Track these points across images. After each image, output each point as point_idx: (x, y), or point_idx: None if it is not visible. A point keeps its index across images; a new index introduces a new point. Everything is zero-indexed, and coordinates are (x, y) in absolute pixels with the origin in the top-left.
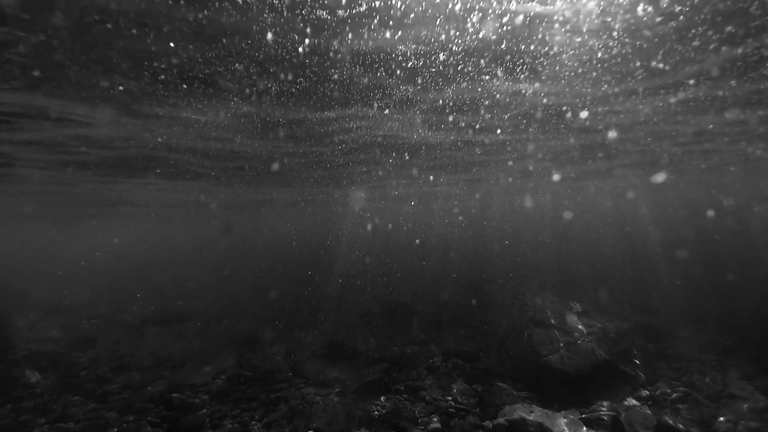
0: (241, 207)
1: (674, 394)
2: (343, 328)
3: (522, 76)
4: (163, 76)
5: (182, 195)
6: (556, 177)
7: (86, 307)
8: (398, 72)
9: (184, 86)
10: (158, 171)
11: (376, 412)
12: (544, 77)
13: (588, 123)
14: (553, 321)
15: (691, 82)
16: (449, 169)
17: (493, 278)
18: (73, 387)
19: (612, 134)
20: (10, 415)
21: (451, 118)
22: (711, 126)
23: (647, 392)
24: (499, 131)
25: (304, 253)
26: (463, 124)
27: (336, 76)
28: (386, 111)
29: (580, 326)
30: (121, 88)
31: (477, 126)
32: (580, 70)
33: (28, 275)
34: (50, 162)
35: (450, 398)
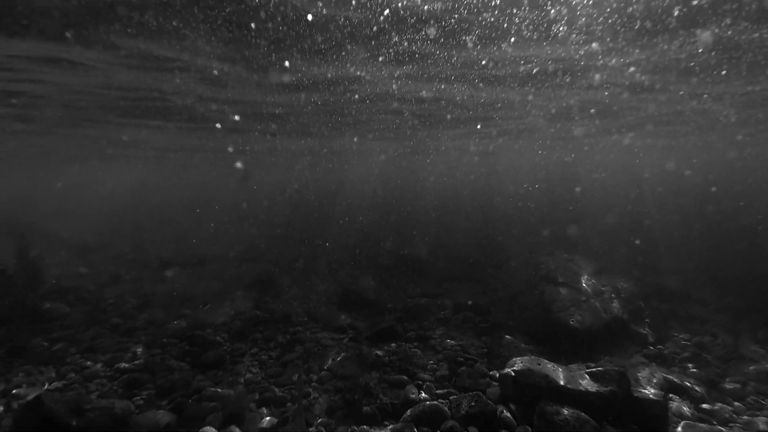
0: (260, 155)
1: (683, 354)
2: (357, 277)
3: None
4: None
5: (201, 141)
6: (578, 131)
7: (110, 247)
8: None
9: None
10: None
11: (386, 358)
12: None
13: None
14: (566, 279)
15: None
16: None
17: (509, 236)
18: (100, 321)
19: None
20: (43, 344)
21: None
22: None
23: (657, 351)
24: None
25: (322, 205)
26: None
27: None
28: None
29: (593, 285)
30: None
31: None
32: None
33: (53, 215)
34: (75, 103)
35: (459, 348)
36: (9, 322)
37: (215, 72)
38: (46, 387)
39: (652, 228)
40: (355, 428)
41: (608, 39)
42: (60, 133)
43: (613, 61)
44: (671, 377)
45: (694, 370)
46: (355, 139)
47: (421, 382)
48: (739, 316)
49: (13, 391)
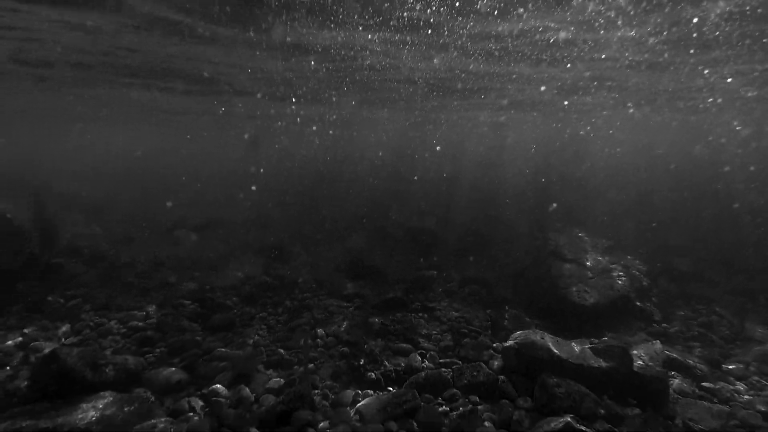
0: (271, 119)
1: (688, 333)
2: (366, 247)
3: None
4: None
5: (209, 105)
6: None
7: (123, 209)
8: None
9: None
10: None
11: (392, 327)
12: None
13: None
14: (574, 256)
15: None
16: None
17: (518, 211)
18: (114, 280)
19: None
20: (59, 300)
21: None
22: None
23: (661, 329)
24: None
25: (331, 174)
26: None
27: None
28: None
29: (601, 262)
30: None
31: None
32: None
33: (65, 176)
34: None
35: (464, 320)
36: (25, 278)
37: (221, 33)
38: (62, 341)
39: (664, 207)
40: (359, 392)
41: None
42: (71, 92)
43: (632, 32)
44: (674, 355)
45: (699, 349)
46: (365, 107)
47: (424, 351)
48: (748, 297)
49: (31, 345)
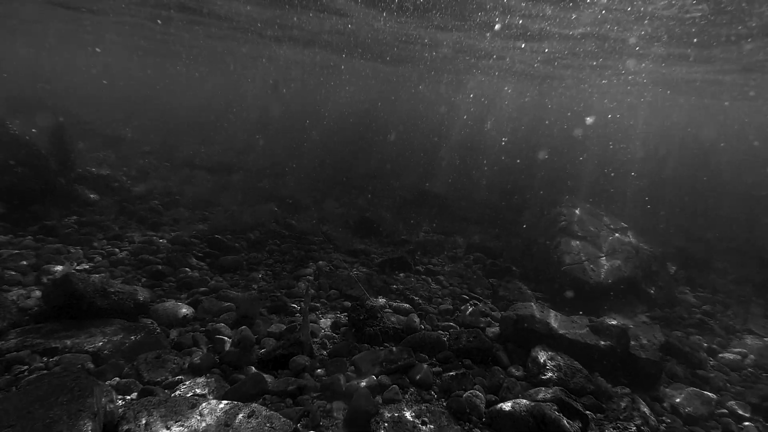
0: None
1: (690, 320)
2: (376, 207)
3: None
4: None
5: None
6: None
7: (141, 142)
8: None
9: None
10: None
11: (394, 285)
12: None
13: None
14: (584, 233)
15: None
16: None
17: (534, 184)
18: (127, 212)
19: None
20: (73, 226)
21: None
22: None
23: (663, 313)
24: None
25: (347, 131)
26: None
27: None
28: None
29: (612, 242)
30: None
31: None
32: None
33: (87, 102)
34: None
35: (466, 286)
36: (41, 201)
37: None
38: (74, 266)
39: (682, 192)
40: (357, 345)
41: None
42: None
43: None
44: (672, 340)
45: (698, 336)
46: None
47: (424, 313)
48: (755, 289)
49: (43, 267)
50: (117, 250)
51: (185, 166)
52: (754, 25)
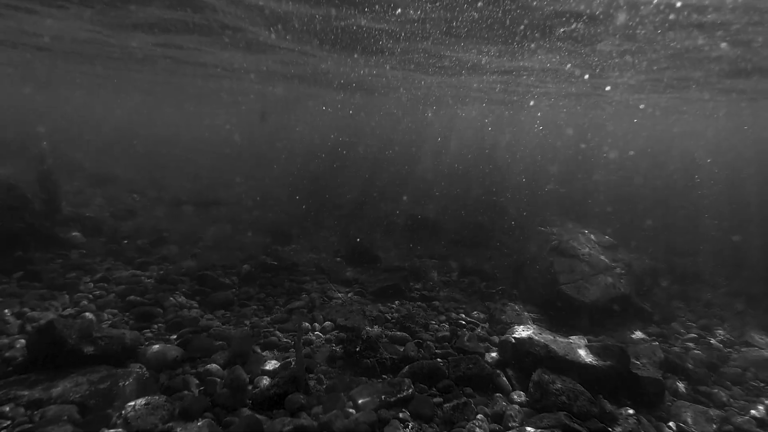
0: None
1: (687, 335)
2: (367, 234)
3: None
4: None
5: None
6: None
7: (127, 181)
8: None
9: None
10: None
11: (389, 314)
12: None
13: None
14: (576, 252)
15: None
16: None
17: (522, 205)
18: (115, 253)
19: None
20: (58, 270)
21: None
22: None
23: (660, 330)
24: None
25: (336, 159)
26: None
27: None
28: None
29: (604, 260)
30: None
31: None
32: None
33: (75, 142)
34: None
35: (462, 311)
36: (26, 246)
37: None
38: (59, 312)
39: (671, 207)
40: (354, 378)
41: None
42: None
43: None
44: (672, 357)
45: (696, 351)
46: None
47: (421, 341)
48: (749, 302)
49: (28, 314)
50: (104, 292)
51: (173, 202)
52: None
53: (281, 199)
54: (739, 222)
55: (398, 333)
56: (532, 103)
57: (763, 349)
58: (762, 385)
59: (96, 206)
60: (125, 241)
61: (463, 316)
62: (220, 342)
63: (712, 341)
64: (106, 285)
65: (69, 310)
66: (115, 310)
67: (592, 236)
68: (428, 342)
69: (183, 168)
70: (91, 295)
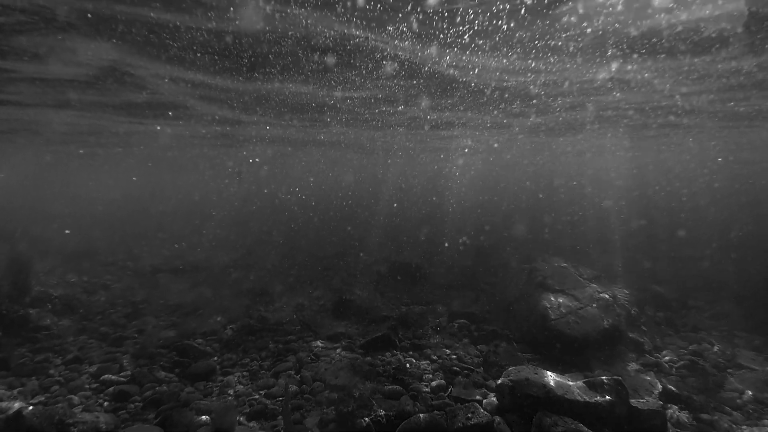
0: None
1: (681, 362)
2: (351, 285)
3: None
4: None
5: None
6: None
7: (102, 254)
8: None
9: None
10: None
11: (381, 368)
12: None
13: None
14: (562, 286)
15: None
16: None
17: (505, 243)
18: (88, 330)
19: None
20: (27, 355)
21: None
22: None
23: (653, 359)
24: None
25: (315, 211)
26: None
27: None
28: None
29: (589, 292)
30: None
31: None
32: None
33: (45, 220)
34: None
35: (455, 357)
36: None
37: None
38: (28, 400)
39: (647, 235)
40: None
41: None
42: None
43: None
44: (669, 386)
45: (692, 378)
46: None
47: (416, 393)
48: (734, 323)
49: None
50: (76, 374)
51: (150, 271)
52: None
53: (263, 257)
54: (701, 244)
55: (391, 387)
56: (496, 145)
57: (756, 369)
58: (761, 407)
59: (68, 283)
60: (99, 317)
61: (457, 362)
62: (203, 417)
63: (706, 366)
64: (78, 366)
65: (39, 397)
66: (89, 392)
67: (573, 269)
68: (423, 393)
69: (161, 235)
70: (62, 379)
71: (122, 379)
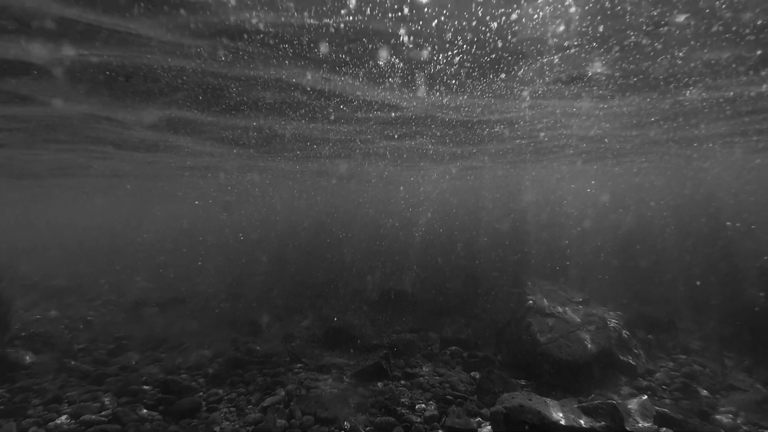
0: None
1: (674, 385)
2: (341, 313)
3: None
4: None
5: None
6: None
7: (85, 288)
8: None
9: None
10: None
11: (372, 398)
12: None
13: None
14: (552, 309)
15: None
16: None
17: (492, 267)
18: (68, 368)
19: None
20: (5, 395)
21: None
22: None
23: (647, 382)
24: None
25: (304, 238)
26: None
27: None
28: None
29: (580, 315)
30: None
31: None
32: None
33: (27, 255)
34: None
35: (448, 385)
36: None
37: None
38: None
39: (635, 257)
40: None
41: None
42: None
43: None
44: (663, 409)
45: (686, 401)
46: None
47: (409, 424)
48: (724, 343)
49: None
50: (55, 414)
51: (134, 305)
52: None
53: (251, 286)
54: (686, 265)
55: (383, 418)
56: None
57: (747, 390)
58: (754, 429)
59: (50, 319)
60: (80, 354)
61: (450, 390)
62: None
63: (699, 388)
64: (57, 405)
65: None
66: None
67: (562, 292)
68: (417, 424)
69: (147, 268)
70: (40, 419)
71: (103, 418)
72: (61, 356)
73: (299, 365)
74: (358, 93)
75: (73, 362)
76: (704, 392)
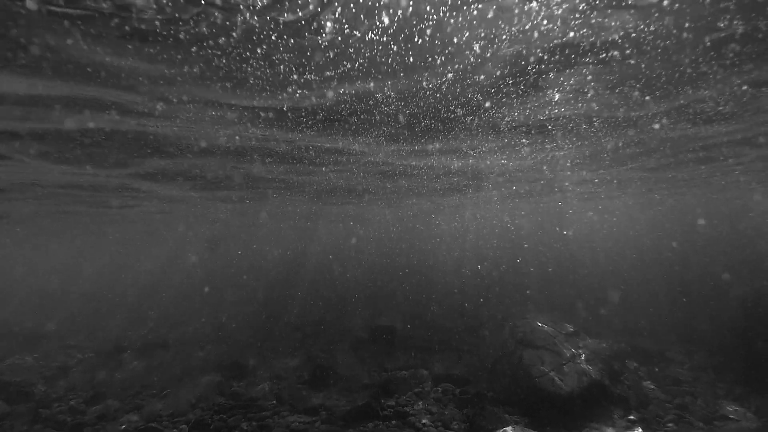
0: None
1: (667, 416)
2: (329, 353)
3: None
4: None
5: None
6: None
7: (64, 334)
8: None
9: None
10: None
11: None
12: None
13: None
14: (543, 342)
15: None
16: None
17: (482, 301)
18: (44, 419)
19: None
20: None
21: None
22: None
23: (640, 415)
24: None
25: (290, 277)
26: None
27: None
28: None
29: (571, 348)
30: None
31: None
32: None
33: (3, 301)
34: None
35: (440, 423)
36: None
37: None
38: None
39: (622, 290)
40: None
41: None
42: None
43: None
44: None
45: None
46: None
47: None
48: (714, 374)
49: None
50: None
51: (114, 350)
52: None
53: (236, 329)
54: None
55: None
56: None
57: (739, 420)
58: None
59: (24, 368)
60: (56, 404)
61: (443, 428)
62: None
63: (692, 419)
64: None
65: None
66: None
67: (552, 325)
68: None
69: (126, 313)
70: None
71: None
72: (37, 406)
73: (286, 409)
74: None
75: (48, 412)
76: (698, 423)
